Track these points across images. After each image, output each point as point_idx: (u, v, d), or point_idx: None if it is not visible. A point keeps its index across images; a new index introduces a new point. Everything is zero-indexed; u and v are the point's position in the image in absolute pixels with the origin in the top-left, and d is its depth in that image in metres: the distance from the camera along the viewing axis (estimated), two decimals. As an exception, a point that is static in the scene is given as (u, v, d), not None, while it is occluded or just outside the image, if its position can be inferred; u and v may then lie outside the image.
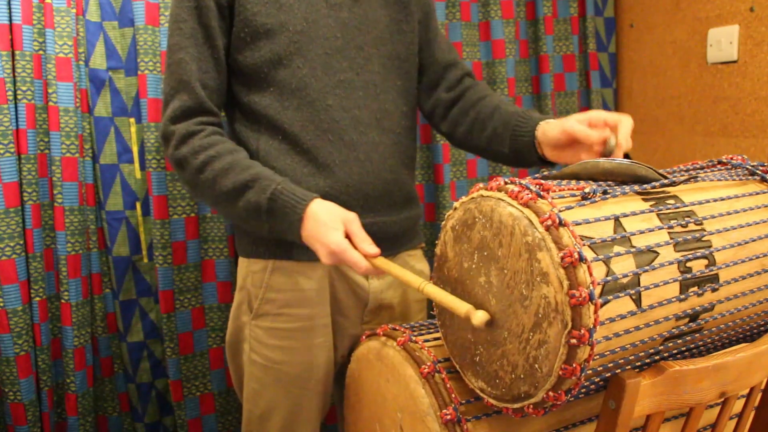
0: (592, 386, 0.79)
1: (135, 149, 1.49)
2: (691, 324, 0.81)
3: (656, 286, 0.75)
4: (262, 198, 0.96)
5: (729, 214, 0.85)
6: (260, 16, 1.04)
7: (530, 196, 0.73)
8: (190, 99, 1.03)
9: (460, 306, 0.78)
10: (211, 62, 1.05)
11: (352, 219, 0.93)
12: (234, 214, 1.03)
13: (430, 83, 1.23)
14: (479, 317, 0.76)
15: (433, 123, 1.27)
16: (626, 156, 0.94)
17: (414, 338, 0.96)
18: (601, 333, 0.72)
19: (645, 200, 0.82)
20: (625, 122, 0.94)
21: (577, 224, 0.73)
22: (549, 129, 1.03)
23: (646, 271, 0.75)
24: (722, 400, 0.86)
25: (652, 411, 0.78)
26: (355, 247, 0.91)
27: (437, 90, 1.23)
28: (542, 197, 0.74)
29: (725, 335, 0.88)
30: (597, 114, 0.97)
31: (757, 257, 0.85)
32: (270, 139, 1.07)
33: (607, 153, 0.93)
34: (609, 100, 1.89)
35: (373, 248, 0.90)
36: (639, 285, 0.74)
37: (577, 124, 0.97)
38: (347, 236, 0.92)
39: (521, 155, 1.10)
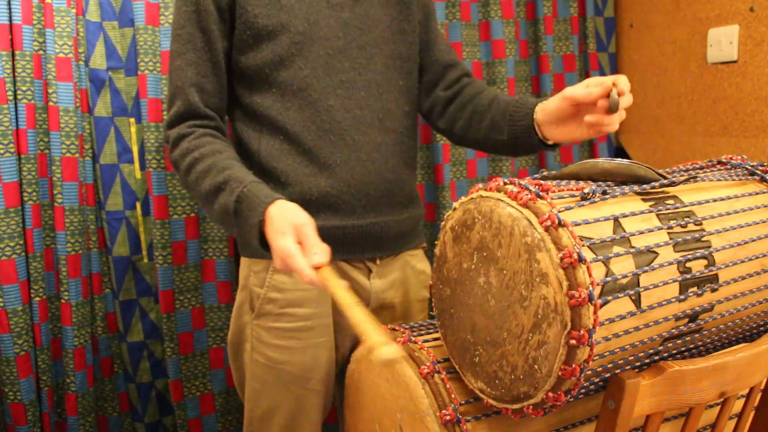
0: (592, 387, 0.79)
1: (135, 149, 1.49)
2: (690, 324, 0.81)
3: (656, 286, 0.75)
4: (230, 200, 0.94)
5: (728, 214, 0.85)
6: (261, 18, 1.04)
7: (529, 196, 0.73)
8: (183, 105, 1.05)
9: (373, 336, 0.74)
10: (210, 66, 1.06)
11: (304, 224, 0.87)
12: (214, 218, 1.01)
13: (429, 83, 1.24)
14: (385, 353, 0.72)
15: (431, 121, 1.27)
16: (625, 156, 0.94)
17: (413, 338, 0.96)
18: (601, 333, 0.72)
19: (644, 200, 0.82)
20: (622, 78, 0.95)
21: (577, 225, 0.73)
22: (548, 104, 1.03)
23: (646, 271, 0.75)
24: (722, 400, 0.86)
25: (651, 411, 0.78)
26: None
27: (435, 89, 1.23)
28: (541, 197, 0.74)
29: (725, 335, 0.88)
30: (592, 78, 0.97)
31: (757, 257, 0.85)
32: (271, 140, 1.07)
33: (612, 105, 0.93)
34: (609, 100, 1.88)
35: (319, 257, 0.84)
36: (638, 285, 0.74)
37: (575, 88, 0.97)
38: (301, 242, 0.86)
39: (521, 140, 1.09)
